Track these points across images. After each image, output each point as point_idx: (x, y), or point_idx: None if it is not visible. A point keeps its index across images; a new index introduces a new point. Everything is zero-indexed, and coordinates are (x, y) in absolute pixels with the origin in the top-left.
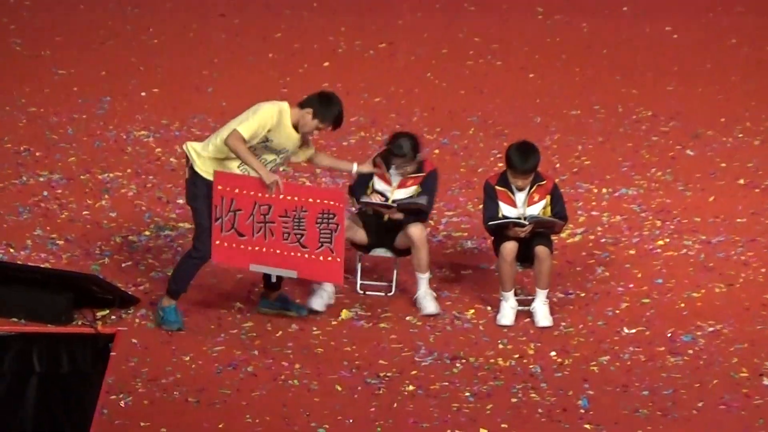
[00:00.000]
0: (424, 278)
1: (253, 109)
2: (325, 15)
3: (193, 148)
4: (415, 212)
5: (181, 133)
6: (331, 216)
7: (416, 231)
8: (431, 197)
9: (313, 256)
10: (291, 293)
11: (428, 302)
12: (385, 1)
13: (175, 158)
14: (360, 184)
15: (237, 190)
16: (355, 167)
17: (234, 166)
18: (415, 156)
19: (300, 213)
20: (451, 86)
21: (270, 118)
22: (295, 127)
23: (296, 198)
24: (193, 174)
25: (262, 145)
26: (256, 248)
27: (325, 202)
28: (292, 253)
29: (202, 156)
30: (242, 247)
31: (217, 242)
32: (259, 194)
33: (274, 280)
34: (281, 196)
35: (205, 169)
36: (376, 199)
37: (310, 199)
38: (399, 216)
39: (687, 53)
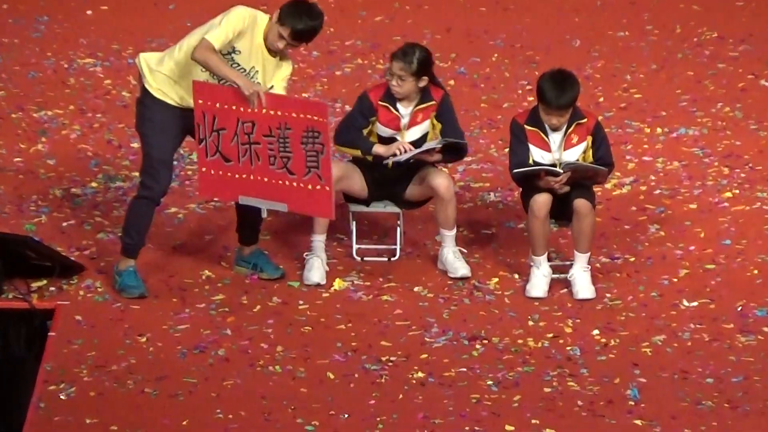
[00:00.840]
0: (450, 235)
1: (224, 13)
2: None
3: (146, 60)
4: (452, 150)
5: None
6: (315, 134)
7: (444, 182)
8: (459, 127)
9: (301, 185)
10: (277, 257)
11: (458, 263)
12: None
13: (129, 92)
14: (352, 132)
15: (218, 104)
16: None
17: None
18: (418, 71)
19: (284, 131)
20: (469, 1)
21: (242, 20)
22: (267, 44)
23: (279, 112)
24: (143, 92)
25: (228, 57)
26: (244, 176)
27: (309, 116)
28: (280, 181)
29: (156, 72)
30: (229, 174)
31: (203, 169)
32: (241, 108)
33: (265, 215)
34: (264, 111)
35: (157, 87)
36: (400, 148)
37: (294, 114)
38: (438, 158)
39: None
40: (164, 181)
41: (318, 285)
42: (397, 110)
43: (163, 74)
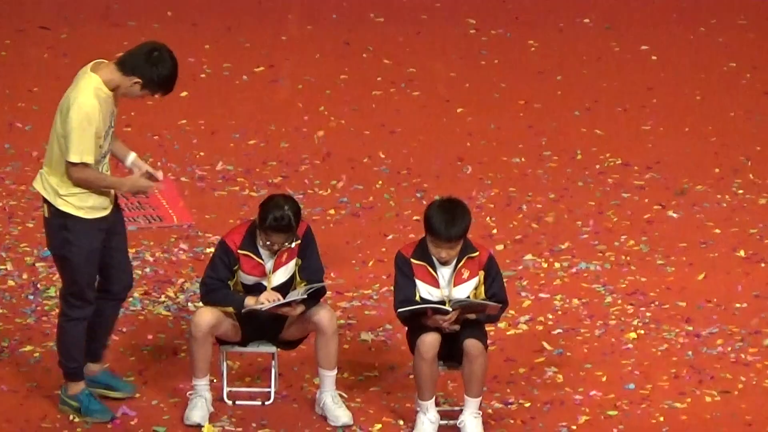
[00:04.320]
0: (330, 376)
1: (72, 116)
2: (183, 28)
3: (50, 185)
4: (313, 294)
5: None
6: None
7: (326, 315)
8: (320, 264)
9: None
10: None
11: (339, 409)
12: (262, 9)
13: None
14: (221, 290)
15: None
16: (131, 158)
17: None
18: (297, 224)
19: None
20: (351, 124)
21: (97, 119)
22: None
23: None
24: (61, 215)
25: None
26: None
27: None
28: None
29: (65, 195)
30: None
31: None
32: None
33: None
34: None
35: (78, 206)
36: (268, 299)
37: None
38: (302, 308)
39: (669, 81)
40: (92, 298)
41: (198, 426)
42: (259, 257)
43: (74, 194)
